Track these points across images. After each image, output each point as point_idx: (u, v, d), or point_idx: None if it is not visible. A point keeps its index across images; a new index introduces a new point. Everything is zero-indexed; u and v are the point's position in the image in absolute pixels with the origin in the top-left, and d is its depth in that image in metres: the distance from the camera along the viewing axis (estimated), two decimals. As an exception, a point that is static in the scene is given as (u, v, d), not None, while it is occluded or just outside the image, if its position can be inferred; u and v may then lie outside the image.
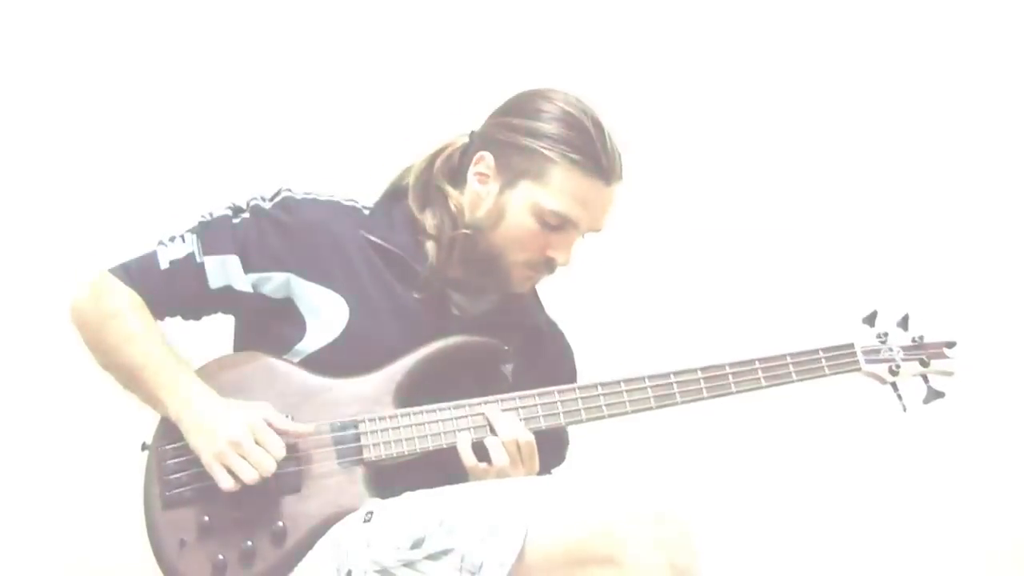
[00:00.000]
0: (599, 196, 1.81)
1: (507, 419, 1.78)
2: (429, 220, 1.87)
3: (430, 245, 1.87)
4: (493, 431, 1.77)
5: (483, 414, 1.78)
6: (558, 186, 1.79)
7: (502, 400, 1.80)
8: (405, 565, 1.53)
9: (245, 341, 1.89)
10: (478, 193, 1.85)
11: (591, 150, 1.79)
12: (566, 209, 1.79)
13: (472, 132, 1.92)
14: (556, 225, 1.80)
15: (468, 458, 1.76)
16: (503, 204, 1.82)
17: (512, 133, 1.83)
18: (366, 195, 1.95)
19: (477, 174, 1.85)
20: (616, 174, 1.82)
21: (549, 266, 1.85)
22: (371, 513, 1.65)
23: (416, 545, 1.53)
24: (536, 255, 1.83)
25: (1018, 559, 2.75)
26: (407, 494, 1.68)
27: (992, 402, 2.73)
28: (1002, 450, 2.79)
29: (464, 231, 1.84)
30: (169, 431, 1.75)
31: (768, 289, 2.78)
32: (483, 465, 1.75)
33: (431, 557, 1.52)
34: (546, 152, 1.79)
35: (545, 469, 1.87)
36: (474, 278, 1.87)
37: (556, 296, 2.04)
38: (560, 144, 1.78)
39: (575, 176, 1.78)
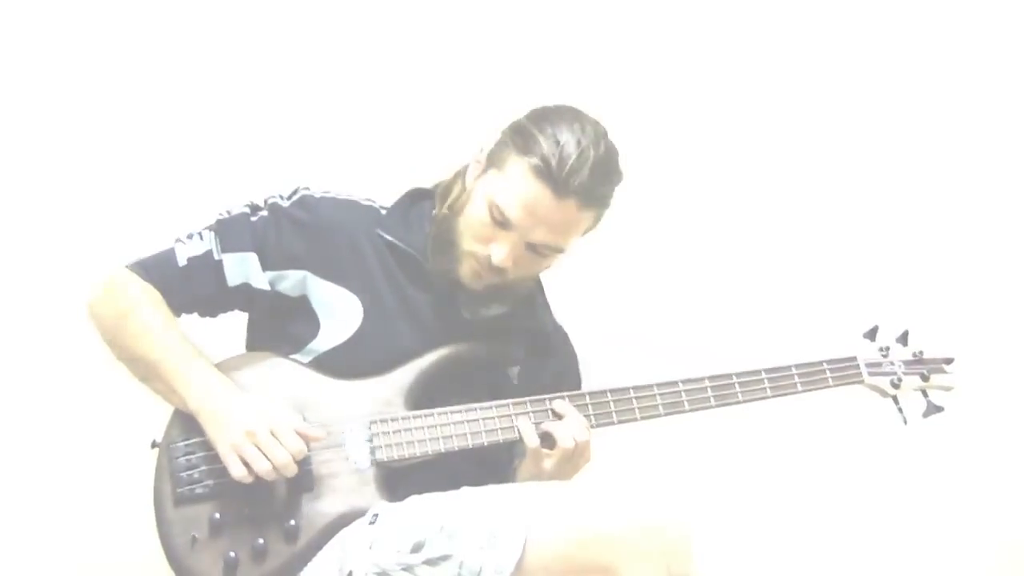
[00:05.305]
0: (546, 206, 1.74)
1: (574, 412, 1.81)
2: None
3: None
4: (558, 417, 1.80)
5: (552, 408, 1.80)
6: (509, 181, 1.76)
7: (514, 404, 1.80)
8: (404, 569, 1.54)
9: (258, 339, 1.89)
10: (468, 180, 1.86)
11: (549, 156, 1.72)
12: (507, 206, 1.75)
13: None
14: (500, 221, 1.77)
15: (532, 440, 1.77)
16: (472, 190, 1.83)
17: (509, 131, 1.83)
18: (384, 195, 1.96)
19: (475, 162, 1.86)
20: (569, 189, 1.73)
21: (490, 264, 1.79)
22: (377, 515, 1.66)
23: (416, 549, 1.54)
24: (482, 249, 1.79)
25: (1013, 571, 2.76)
26: (412, 497, 1.68)
27: (990, 416, 2.71)
28: (1000, 464, 2.78)
29: (443, 211, 1.85)
30: (181, 427, 1.75)
31: (772, 301, 2.77)
32: (546, 450, 1.77)
33: (429, 562, 1.53)
34: (512, 146, 1.78)
35: None
36: (440, 263, 1.84)
37: (568, 304, 2.06)
38: (529, 143, 1.75)
39: (526, 176, 1.74)
